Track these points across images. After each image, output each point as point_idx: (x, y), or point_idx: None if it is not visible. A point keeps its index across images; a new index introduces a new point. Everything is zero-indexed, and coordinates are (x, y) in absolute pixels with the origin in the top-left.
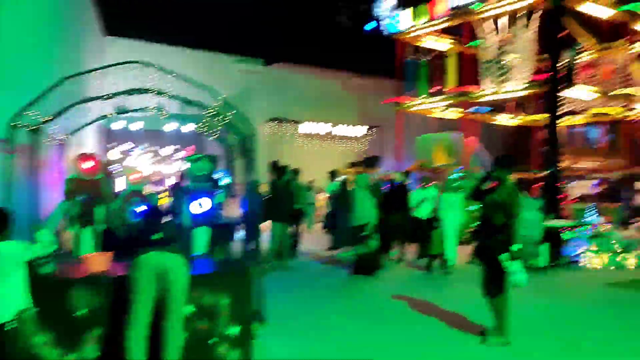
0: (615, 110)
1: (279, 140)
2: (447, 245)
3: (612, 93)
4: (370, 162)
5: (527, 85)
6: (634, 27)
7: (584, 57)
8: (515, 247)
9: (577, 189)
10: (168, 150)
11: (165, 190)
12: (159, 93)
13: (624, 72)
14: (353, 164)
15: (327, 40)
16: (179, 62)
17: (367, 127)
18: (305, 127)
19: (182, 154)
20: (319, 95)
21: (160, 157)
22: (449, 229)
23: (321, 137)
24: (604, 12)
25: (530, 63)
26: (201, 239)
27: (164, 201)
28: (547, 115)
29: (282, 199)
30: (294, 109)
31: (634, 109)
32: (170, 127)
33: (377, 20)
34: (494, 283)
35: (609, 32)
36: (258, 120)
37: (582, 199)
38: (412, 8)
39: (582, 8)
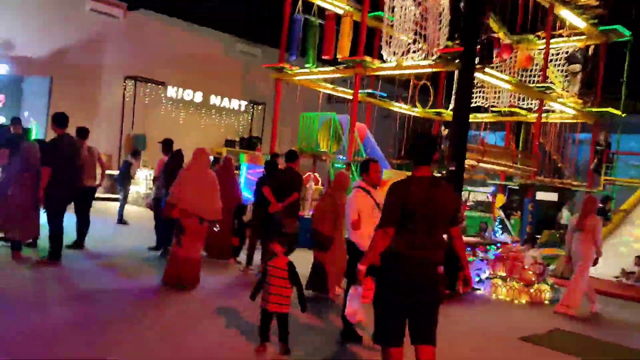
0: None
1: (142, 102)
2: None
3: (529, 85)
4: (248, 142)
5: (435, 59)
6: (558, 13)
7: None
8: None
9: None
10: None
11: None
12: None
13: (540, 66)
14: (229, 142)
15: None
16: None
17: (249, 102)
18: (175, 92)
19: None
20: (194, 58)
21: None
22: None
23: (195, 106)
24: None
25: (442, 35)
26: None
27: None
28: (454, 106)
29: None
30: (161, 70)
31: (548, 110)
32: None
33: None
34: None
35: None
36: (111, 76)
37: (478, 206)
38: None
39: None
